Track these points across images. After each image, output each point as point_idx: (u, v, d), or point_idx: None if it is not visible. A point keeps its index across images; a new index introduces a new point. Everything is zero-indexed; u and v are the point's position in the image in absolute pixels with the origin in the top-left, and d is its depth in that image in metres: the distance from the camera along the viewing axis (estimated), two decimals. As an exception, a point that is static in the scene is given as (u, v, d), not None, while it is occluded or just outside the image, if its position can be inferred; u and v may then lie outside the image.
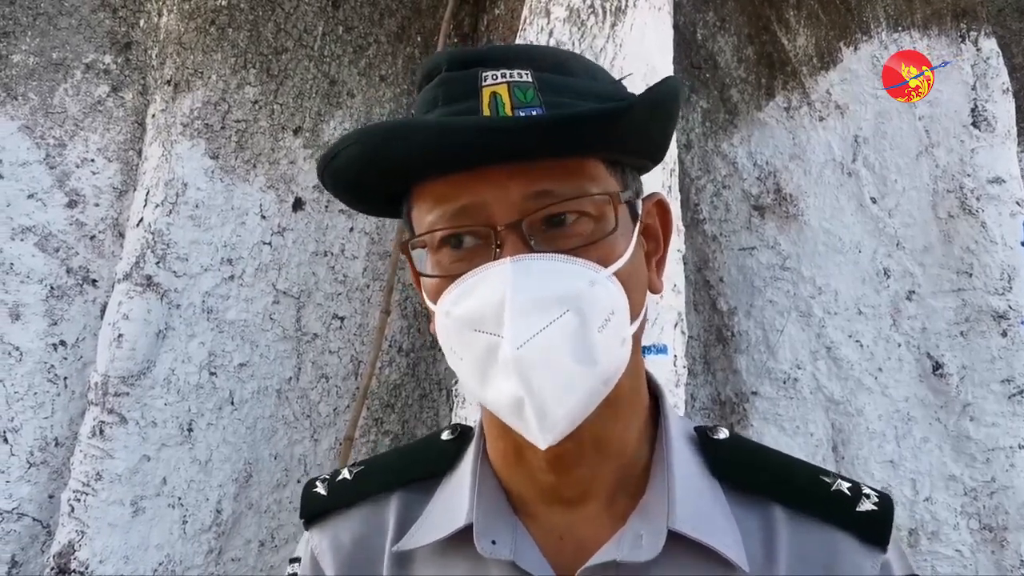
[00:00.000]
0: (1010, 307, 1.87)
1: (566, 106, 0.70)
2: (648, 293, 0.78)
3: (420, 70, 0.76)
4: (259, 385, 1.97)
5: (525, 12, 1.52)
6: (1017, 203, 1.89)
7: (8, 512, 1.84)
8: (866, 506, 0.78)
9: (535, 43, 1.45)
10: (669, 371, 1.43)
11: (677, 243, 1.50)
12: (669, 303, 1.45)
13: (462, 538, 0.77)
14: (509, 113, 0.70)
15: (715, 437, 0.83)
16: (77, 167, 2.02)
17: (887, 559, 0.77)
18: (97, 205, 2.03)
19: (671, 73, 1.56)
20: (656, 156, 0.81)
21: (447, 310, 0.71)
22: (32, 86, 2.02)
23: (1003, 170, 1.90)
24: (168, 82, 2.00)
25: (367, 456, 2.05)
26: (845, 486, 0.80)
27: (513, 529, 0.77)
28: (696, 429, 0.84)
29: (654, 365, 1.41)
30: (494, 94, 0.70)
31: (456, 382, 1.69)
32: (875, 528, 0.77)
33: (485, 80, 0.70)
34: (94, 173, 2.03)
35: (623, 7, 1.44)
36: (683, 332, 1.50)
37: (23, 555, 1.85)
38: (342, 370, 2.08)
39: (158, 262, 1.87)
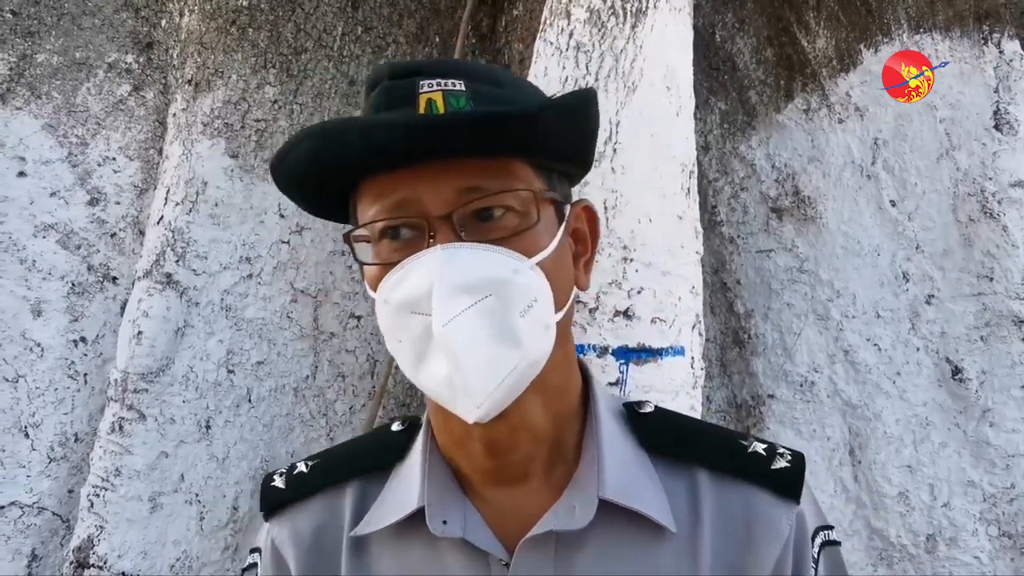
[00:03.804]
0: (1031, 312, 1.85)
1: None
2: (576, 289, 0.86)
3: (367, 80, 0.84)
4: (276, 383, 1.98)
5: (545, 13, 1.52)
6: (1039, 207, 1.87)
7: (29, 506, 1.86)
8: (780, 464, 0.85)
9: (555, 44, 1.46)
10: (686, 373, 1.43)
11: (695, 245, 1.49)
12: (687, 305, 1.45)
13: (415, 521, 0.83)
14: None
15: (641, 411, 0.90)
16: (99, 165, 2.05)
17: (801, 511, 0.84)
18: (118, 203, 2.05)
19: (690, 75, 1.56)
20: (581, 162, 0.88)
21: (385, 297, 0.77)
22: (55, 85, 2.05)
23: (1025, 173, 1.88)
24: (189, 81, 2.02)
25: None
26: (761, 447, 0.87)
27: (463, 509, 0.83)
28: (624, 405, 0.91)
29: (672, 367, 1.41)
30: (430, 100, 0.77)
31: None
32: (788, 483, 0.84)
33: (422, 88, 0.77)
34: (115, 171, 2.06)
35: (644, 8, 1.44)
36: (700, 334, 1.49)
37: (43, 549, 1.87)
38: (358, 369, 2.09)
39: (177, 260, 1.88)
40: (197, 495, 1.85)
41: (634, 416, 0.89)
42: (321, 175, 0.81)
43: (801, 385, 1.99)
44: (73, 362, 1.95)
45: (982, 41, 1.95)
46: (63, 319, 1.96)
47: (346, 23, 2.13)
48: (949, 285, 1.93)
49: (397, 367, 2.10)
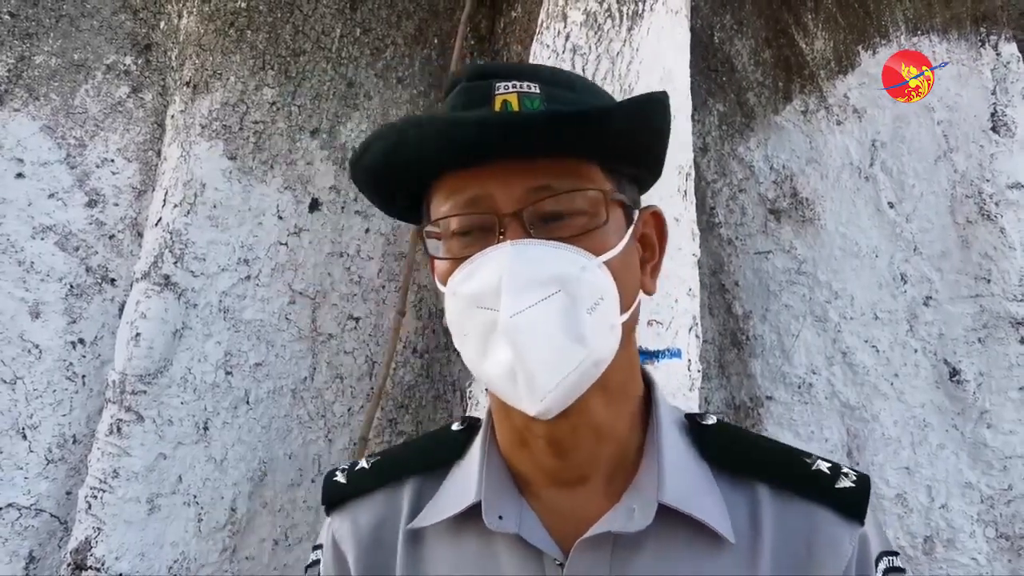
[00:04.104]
0: (1029, 314, 1.85)
1: None
2: (642, 293, 0.86)
3: (446, 82, 0.87)
4: (274, 385, 1.98)
5: (542, 16, 1.52)
6: (1037, 209, 1.87)
7: (26, 508, 1.86)
8: (844, 483, 0.84)
9: (552, 47, 1.46)
10: (683, 375, 1.43)
11: (692, 247, 1.49)
12: (684, 307, 1.45)
13: (471, 516, 0.84)
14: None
15: (703, 423, 0.90)
16: (97, 167, 2.05)
17: (864, 533, 0.83)
18: (116, 205, 2.05)
19: (687, 77, 1.56)
20: (652, 168, 0.89)
21: (455, 290, 0.79)
22: (54, 87, 2.05)
23: (1023, 175, 1.88)
24: (187, 83, 2.02)
25: (381, 456, 2.07)
26: (825, 466, 0.86)
27: (518, 507, 0.84)
28: (687, 416, 0.90)
29: (669, 369, 1.41)
30: (505, 101, 0.79)
31: (470, 384, 1.69)
32: (852, 503, 0.83)
33: (498, 89, 0.80)
34: (114, 173, 2.06)
35: (640, 11, 1.44)
36: (698, 336, 1.49)
37: (41, 551, 1.87)
38: (357, 370, 2.09)
39: (176, 262, 1.88)
40: (195, 497, 1.85)
41: (696, 427, 0.89)
42: (398, 171, 0.82)
43: (799, 387, 1.99)
44: (71, 364, 1.95)
45: (979, 43, 1.95)
46: (61, 321, 1.96)
47: (344, 25, 2.13)
48: (947, 287, 1.93)
49: (395, 368, 2.11)
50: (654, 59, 1.44)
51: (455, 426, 0.96)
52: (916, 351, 1.94)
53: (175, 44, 2.11)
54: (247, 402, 1.94)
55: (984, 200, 1.89)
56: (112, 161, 2.06)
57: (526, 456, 0.85)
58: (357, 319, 2.09)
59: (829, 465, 0.86)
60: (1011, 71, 1.92)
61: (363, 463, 0.97)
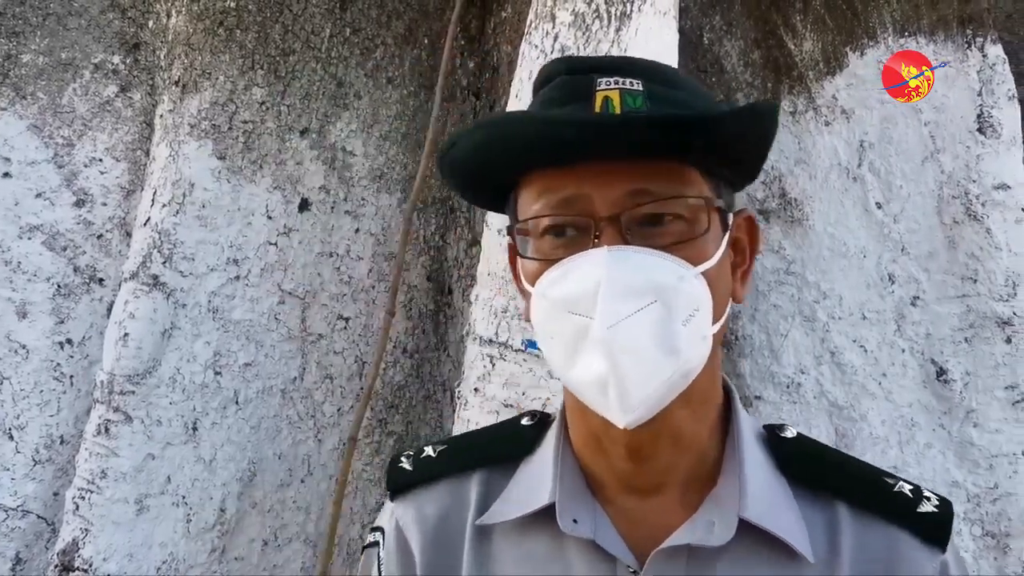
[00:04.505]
0: (1015, 314, 1.86)
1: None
2: (730, 301, 0.84)
3: (540, 72, 0.83)
4: (264, 385, 1.97)
5: (531, 16, 1.52)
6: (1022, 209, 1.88)
7: (13, 509, 1.85)
8: (927, 507, 0.82)
9: (540, 47, 1.46)
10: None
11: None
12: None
13: (542, 516, 0.82)
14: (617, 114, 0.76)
15: (783, 435, 0.88)
16: (85, 166, 2.04)
17: (946, 559, 0.81)
18: (104, 204, 2.04)
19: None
20: (751, 172, 0.87)
21: (544, 292, 0.77)
22: (41, 86, 2.04)
23: (1009, 176, 1.89)
24: (176, 83, 2.01)
25: (370, 457, 2.07)
26: (907, 488, 0.84)
27: (592, 511, 0.82)
28: (765, 427, 0.89)
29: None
30: (606, 98, 0.76)
31: (459, 384, 1.69)
32: (935, 528, 0.81)
33: (599, 85, 0.77)
34: (102, 173, 2.05)
35: (628, 12, 1.44)
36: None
37: (27, 552, 1.86)
38: (346, 371, 2.09)
39: (164, 262, 1.88)
40: (184, 497, 1.85)
41: (775, 439, 0.87)
42: (489, 165, 0.80)
43: (788, 386, 2.00)
44: (59, 364, 1.94)
45: (966, 45, 1.97)
46: (49, 321, 1.95)
47: (334, 24, 2.13)
48: (934, 287, 1.94)
49: (385, 369, 2.10)
50: (642, 60, 1.45)
51: (525, 420, 0.94)
52: (903, 351, 1.95)
53: (164, 43, 2.10)
54: (236, 402, 1.93)
55: (970, 201, 1.91)
56: (100, 161, 2.05)
57: (601, 459, 0.84)
58: (347, 319, 2.09)
59: (911, 487, 0.84)
60: (997, 73, 1.94)
61: (429, 450, 0.95)
